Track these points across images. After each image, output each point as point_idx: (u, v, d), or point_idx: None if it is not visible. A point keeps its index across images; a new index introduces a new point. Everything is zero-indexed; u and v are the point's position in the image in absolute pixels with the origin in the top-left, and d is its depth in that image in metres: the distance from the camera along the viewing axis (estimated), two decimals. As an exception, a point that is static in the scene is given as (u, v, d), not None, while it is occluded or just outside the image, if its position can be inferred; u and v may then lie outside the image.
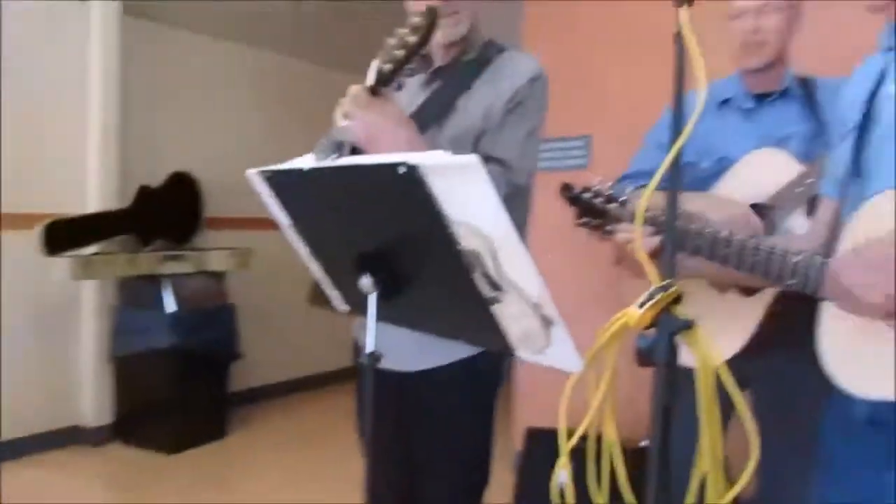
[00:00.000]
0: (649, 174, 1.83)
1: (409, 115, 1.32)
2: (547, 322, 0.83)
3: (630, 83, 3.09)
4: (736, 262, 1.13)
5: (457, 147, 1.39)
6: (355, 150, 1.23)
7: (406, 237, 0.94)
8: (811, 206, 1.56)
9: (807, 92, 1.77)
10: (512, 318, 0.87)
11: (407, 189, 0.83)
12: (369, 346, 1.02)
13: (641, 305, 0.83)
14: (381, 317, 1.01)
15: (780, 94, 1.78)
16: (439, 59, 1.48)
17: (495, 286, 0.85)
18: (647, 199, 0.86)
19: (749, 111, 1.80)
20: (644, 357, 1.60)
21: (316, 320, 2.86)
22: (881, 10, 1.08)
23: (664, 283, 0.84)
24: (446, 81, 1.46)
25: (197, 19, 4.04)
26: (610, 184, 1.43)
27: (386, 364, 1.41)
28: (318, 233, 1.12)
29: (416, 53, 1.13)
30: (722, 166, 1.76)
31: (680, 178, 1.67)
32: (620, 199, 1.34)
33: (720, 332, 1.55)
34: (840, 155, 1.14)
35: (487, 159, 1.35)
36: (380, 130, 1.17)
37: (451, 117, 1.41)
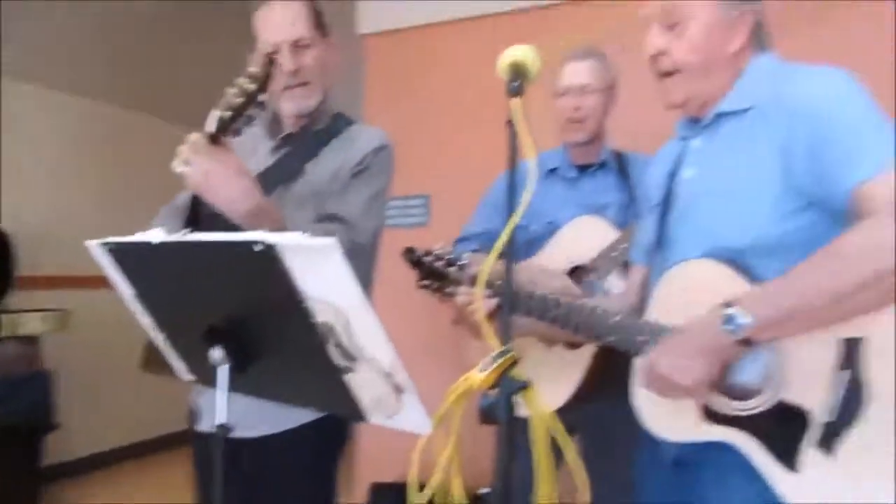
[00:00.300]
0: (484, 235, 1.97)
1: (256, 176, 1.36)
2: (398, 389, 0.88)
3: (467, 146, 3.27)
4: (564, 321, 1.25)
5: (302, 208, 1.44)
6: (195, 198, 1.25)
7: (260, 310, 0.96)
8: (625, 268, 1.75)
9: (620, 165, 2.00)
10: (364, 385, 0.91)
11: (263, 266, 0.86)
12: (220, 419, 1.02)
13: (483, 370, 0.92)
14: (232, 387, 1.02)
15: (599, 166, 1.99)
16: (289, 127, 1.53)
17: (348, 356, 0.89)
18: (489, 266, 0.95)
19: (572, 180, 1.99)
20: (486, 415, 1.69)
21: (144, 384, 2.71)
22: (677, 108, 1.26)
23: (503, 348, 0.93)
24: (295, 148, 1.51)
25: (10, 64, 3.78)
26: (450, 248, 1.53)
27: (206, 427, 1.41)
28: (164, 304, 1.11)
29: (254, 101, 1.18)
30: (549, 229, 1.93)
31: (514, 250, 1.82)
32: (460, 264, 1.44)
33: (550, 383, 1.69)
34: (646, 227, 1.31)
35: (331, 218, 1.41)
36: (218, 178, 1.20)
37: (299, 180, 1.47)
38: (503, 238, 0.96)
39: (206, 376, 1.18)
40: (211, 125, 1.18)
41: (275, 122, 1.58)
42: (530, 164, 0.99)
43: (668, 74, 1.22)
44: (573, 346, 1.72)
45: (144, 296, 1.12)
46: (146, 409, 4.18)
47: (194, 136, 1.20)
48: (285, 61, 1.44)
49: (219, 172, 1.18)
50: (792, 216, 1.09)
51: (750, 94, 1.17)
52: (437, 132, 3.38)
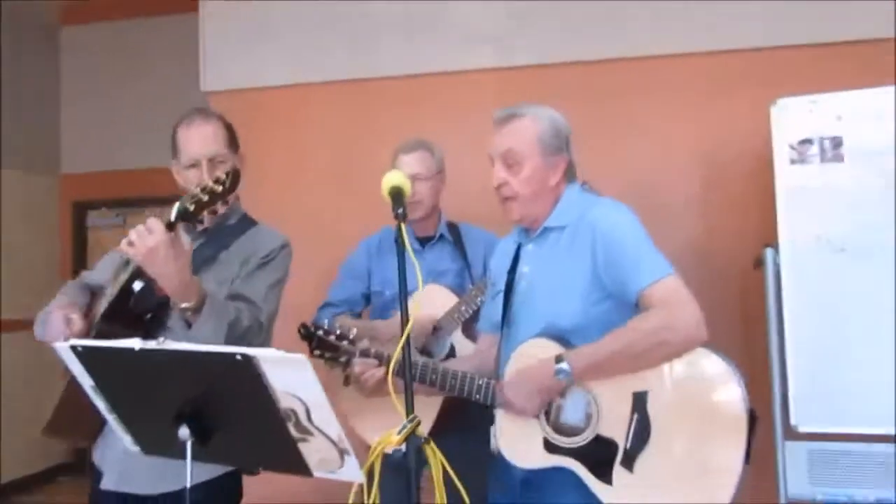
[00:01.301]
0: (346, 302, 2.30)
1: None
2: (344, 453, 1.21)
3: (308, 202, 3.58)
4: (441, 384, 1.63)
5: (218, 287, 1.70)
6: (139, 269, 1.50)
7: (227, 398, 1.24)
8: (465, 326, 2.18)
9: (455, 236, 2.43)
10: (313, 451, 1.23)
11: (239, 369, 1.15)
12: (187, 483, 1.27)
13: (399, 432, 1.27)
14: (194, 457, 1.27)
15: (438, 238, 2.42)
16: (207, 221, 1.79)
17: (305, 431, 1.20)
18: (397, 356, 1.31)
19: (417, 252, 2.39)
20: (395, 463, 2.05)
21: None
22: (514, 223, 1.71)
23: (412, 416, 1.30)
24: (209, 239, 1.78)
25: None
26: (338, 324, 1.86)
27: (111, 486, 1.63)
28: (124, 393, 1.34)
29: (216, 202, 1.44)
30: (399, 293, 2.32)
31: (373, 310, 2.21)
32: (351, 337, 1.77)
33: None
34: (494, 308, 1.74)
35: (240, 297, 1.70)
36: (160, 256, 1.45)
37: (213, 267, 1.73)
38: (407, 329, 1.34)
39: (153, 448, 1.43)
40: (171, 214, 1.43)
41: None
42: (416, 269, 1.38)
43: (507, 199, 1.66)
44: (428, 393, 2.11)
45: (104, 387, 1.34)
46: None
47: (152, 221, 1.44)
48: (203, 173, 1.71)
49: (162, 251, 1.44)
50: (596, 304, 1.57)
51: (565, 215, 1.65)
52: (278, 188, 3.65)
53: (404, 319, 1.36)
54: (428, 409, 2.11)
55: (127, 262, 1.67)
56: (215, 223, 1.79)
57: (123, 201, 5.74)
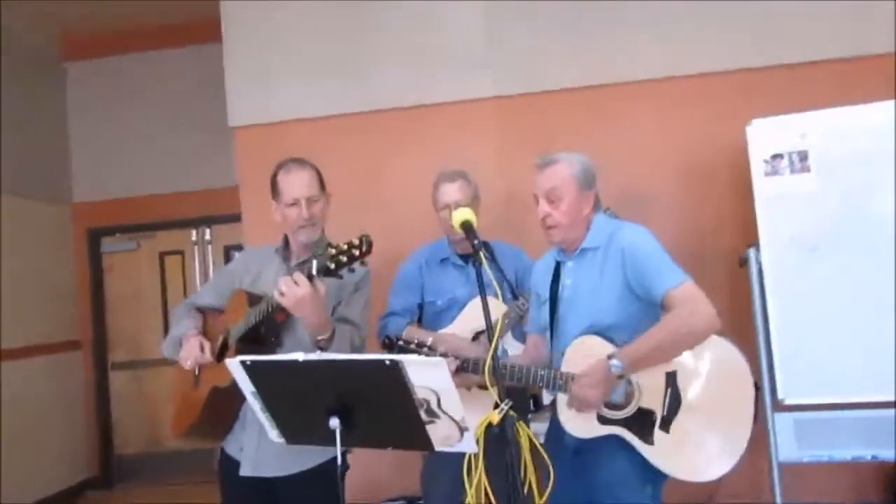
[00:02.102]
0: (407, 310, 2.68)
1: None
2: (463, 430, 1.61)
3: (349, 208, 3.95)
4: (510, 376, 2.03)
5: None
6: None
7: (373, 395, 1.63)
8: (514, 331, 2.59)
9: (490, 253, 2.83)
10: (439, 430, 1.62)
11: (385, 372, 1.55)
12: (339, 461, 1.66)
13: (499, 412, 1.68)
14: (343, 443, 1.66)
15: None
16: (299, 254, 2.18)
17: (433, 415, 1.60)
18: (490, 357, 1.71)
19: (461, 266, 2.79)
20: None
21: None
22: (557, 245, 2.12)
23: (506, 401, 1.70)
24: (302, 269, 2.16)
25: None
26: (417, 336, 2.25)
27: (251, 473, 2.02)
28: (280, 395, 1.72)
29: (354, 263, 1.81)
30: (451, 303, 2.71)
31: (426, 319, 2.61)
32: (429, 345, 2.17)
33: (481, 411, 2.47)
34: (541, 314, 2.15)
35: (345, 321, 2.09)
36: (306, 303, 1.84)
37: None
38: (496, 336, 1.74)
39: (296, 438, 1.82)
40: (314, 268, 1.82)
41: (286, 249, 2.22)
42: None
43: (550, 227, 2.08)
44: (482, 387, 2.52)
45: (264, 391, 1.72)
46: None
47: (297, 275, 1.84)
48: (302, 210, 2.10)
49: (308, 300, 1.82)
50: (628, 305, 2.00)
51: (597, 238, 2.07)
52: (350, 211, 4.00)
53: (489, 328, 1.76)
54: (488, 400, 2.52)
55: (248, 295, 2.06)
56: (308, 256, 2.18)
57: (136, 227, 6.02)
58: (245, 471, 2.10)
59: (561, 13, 3.89)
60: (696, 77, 3.73)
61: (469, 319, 2.64)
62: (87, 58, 5.87)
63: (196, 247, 6.06)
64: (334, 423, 1.64)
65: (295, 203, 2.15)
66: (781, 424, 3.03)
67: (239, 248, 5.94)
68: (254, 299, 2.07)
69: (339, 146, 4.00)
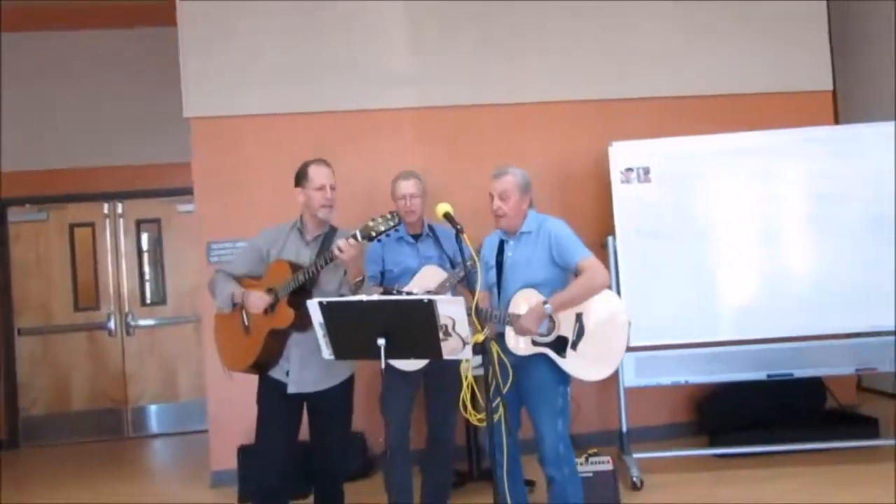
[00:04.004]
0: (374, 277, 3.61)
1: (314, 259, 2.87)
2: (465, 344, 2.56)
3: (275, 203, 4.70)
4: (488, 317, 3.00)
5: (333, 274, 2.96)
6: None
7: (409, 322, 2.52)
8: (454, 291, 3.56)
9: (434, 234, 3.79)
10: (449, 345, 2.56)
11: (422, 307, 2.47)
12: (382, 367, 2.56)
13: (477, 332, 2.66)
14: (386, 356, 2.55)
15: (425, 235, 3.76)
16: (313, 230, 3.02)
17: (447, 334, 2.54)
18: (476, 301, 2.69)
19: (412, 244, 3.72)
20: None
21: None
22: (503, 229, 3.13)
23: (485, 330, 2.69)
24: (323, 242, 3.00)
25: None
26: (406, 288, 3.16)
27: (297, 390, 2.88)
28: (341, 324, 2.58)
29: (386, 232, 2.72)
30: (405, 270, 3.63)
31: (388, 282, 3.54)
32: (415, 292, 3.09)
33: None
34: (490, 276, 3.15)
35: (346, 283, 2.97)
36: (355, 259, 2.74)
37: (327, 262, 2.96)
38: (477, 291, 2.72)
39: (344, 355, 2.70)
40: (358, 234, 2.70)
41: (303, 226, 3.05)
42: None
43: (501, 216, 3.08)
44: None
45: (329, 322, 2.57)
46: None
47: (352, 240, 2.73)
48: (326, 193, 2.96)
49: (355, 256, 2.72)
50: (551, 271, 3.05)
51: (531, 225, 3.11)
52: (253, 194, 4.74)
53: (474, 285, 2.74)
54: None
55: (290, 264, 2.90)
56: (320, 231, 3.06)
57: (47, 198, 6.29)
58: (291, 389, 2.93)
59: (476, 39, 4.93)
60: (572, 103, 4.92)
61: (422, 282, 3.57)
62: (22, 30, 6.01)
63: (108, 220, 6.44)
64: (381, 342, 2.54)
65: (321, 188, 2.99)
66: (626, 361, 4.26)
67: (150, 221, 6.46)
68: (295, 267, 2.90)
69: (282, 142, 4.75)
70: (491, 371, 2.69)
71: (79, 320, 6.37)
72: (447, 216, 2.91)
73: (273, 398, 2.97)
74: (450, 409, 3.79)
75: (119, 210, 6.44)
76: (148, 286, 6.49)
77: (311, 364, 2.91)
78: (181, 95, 5.73)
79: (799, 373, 4.36)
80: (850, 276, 4.25)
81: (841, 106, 5.62)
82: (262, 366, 2.96)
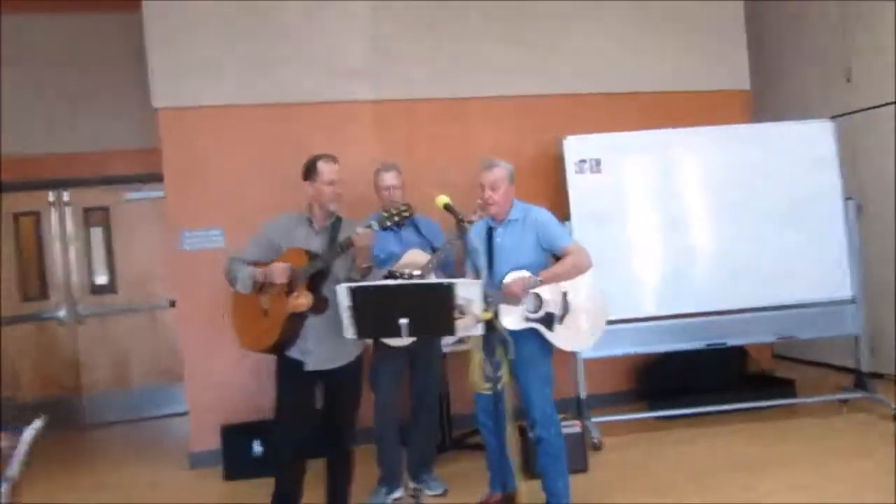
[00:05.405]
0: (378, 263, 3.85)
1: (324, 245, 3.14)
2: (477, 321, 2.89)
3: (247, 194, 4.87)
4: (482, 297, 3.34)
5: (343, 261, 3.22)
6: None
7: (428, 303, 2.82)
8: (440, 271, 3.88)
9: (415, 224, 4.09)
10: (462, 323, 2.88)
11: (442, 290, 2.78)
12: (402, 342, 2.86)
13: (485, 311, 2.99)
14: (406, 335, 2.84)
15: (406, 225, 4.04)
16: (321, 220, 3.27)
17: (462, 314, 2.86)
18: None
19: (395, 232, 4.00)
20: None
21: None
22: (491, 217, 3.48)
23: (489, 308, 3.03)
24: (330, 232, 3.26)
25: None
26: (412, 272, 3.45)
27: (315, 367, 3.15)
28: (367, 306, 2.85)
29: (403, 220, 3.02)
30: (390, 255, 3.93)
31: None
32: (416, 274, 3.38)
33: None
34: (480, 258, 3.49)
35: (356, 269, 3.25)
36: (368, 247, 3.03)
37: (344, 250, 3.23)
38: (483, 272, 3.06)
39: (366, 334, 2.98)
40: (374, 224, 2.99)
41: (311, 217, 3.29)
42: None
43: (491, 205, 3.42)
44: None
45: (356, 304, 2.84)
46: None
47: (369, 229, 3.00)
48: (335, 187, 3.22)
49: (369, 244, 3.00)
50: (539, 254, 3.43)
51: (517, 213, 3.47)
52: (222, 182, 4.88)
53: (485, 266, 3.07)
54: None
55: (307, 252, 3.14)
56: (327, 221, 3.32)
57: None
58: (308, 367, 3.18)
59: (432, 34, 5.21)
60: (525, 97, 5.30)
61: (406, 265, 3.85)
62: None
63: (53, 208, 6.34)
64: (404, 321, 2.83)
65: (331, 183, 3.24)
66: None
67: (98, 209, 6.43)
68: (311, 254, 3.14)
69: (248, 132, 4.92)
70: (497, 344, 3.05)
71: (26, 310, 6.26)
72: (447, 207, 3.21)
73: (291, 376, 3.21)
74: (434, 382, 4.13)
75: (65, 198, 6.35)
76: (97, 275, 6.43)
77: (326, 343, 3.17)
78: (129, 83, 5.81)
79: (731, 341, 4.95)
80: (772, 255, 4.87)
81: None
82: (281, 346, 3.19)
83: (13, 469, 2.24)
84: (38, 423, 2.34)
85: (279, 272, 3.08)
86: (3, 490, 2.17)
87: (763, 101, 6.20)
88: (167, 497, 4.35)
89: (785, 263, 4.86)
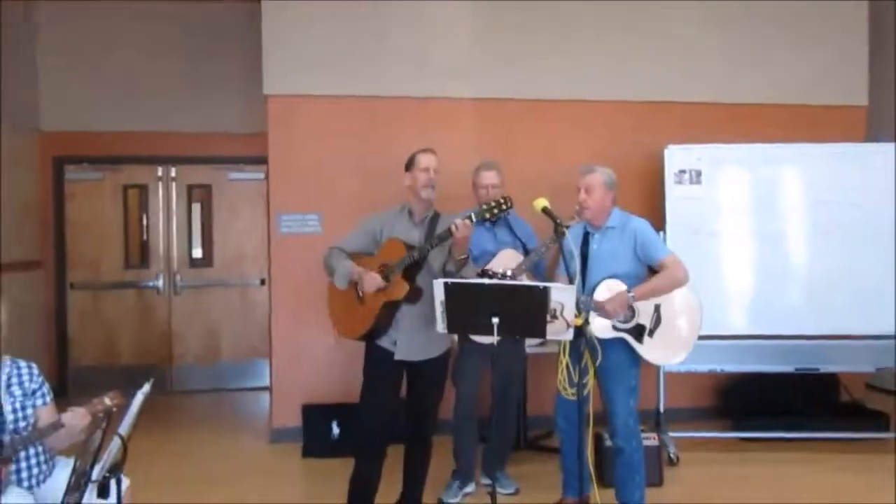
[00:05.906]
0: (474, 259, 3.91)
1: (424, 237, 3.20)
2: (569, 326, 2.90)
3: (346, 182, 4.99)
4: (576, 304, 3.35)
5: (440, 252, 3.26)
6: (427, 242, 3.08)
7: (522, 304, 2.85)
8: (532, 273, 3.89)
9: (508, 223, 4.11)
10: (553, 326, 2.90)
11: (536, 292, 2.80)
12: (493, 340, 2.89)
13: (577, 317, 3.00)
14: (497, 334, 2.88)
15: (501, 224, 4.07)
16: (420, 213, 3.33)
17: (555, 317, 2.87)
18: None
19: (489, 229, 4.04)
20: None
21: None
22: (586, 221, 3.47)
23: (584, 314, 3.03)
24: (429, 225, 3.32)
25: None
26: (505, 271, 3.48)
27: (403, 357, 3.20)
28: (460, 303, 2.90)
29: (501, 213, 3.07)
30: (483, 253, 3.96)
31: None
32: (509, 274, 3.40)
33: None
34: (575, 265, 3.49)
35: (453, 260, 3.29)
36: (467, 238, 3.07)
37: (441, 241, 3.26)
38: (576, 279, 3.06)
39: (456, 329, 3.03)
40: (472, 216, 3.03)
41: (410, 209, 3.36)
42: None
43: (585, 209, 3.41)
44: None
45: (450, 300, 2.89)
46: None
47: (467, 220, 3.04)
48: (431, 174, 3.27)
49: (468, 235, 3.04)
50: (635, 264, 3.39)
51: (615, 222, 3.44)
52: (322, 169, 5.03)
53: (577, 271, 3.07)
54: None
55: (404, 243, 3.20)
56: (426, 213, 3.37)
57: (104, 158, 6.51)
58: (398, 356, 3.26)
59: (540, 37, 5.20)
60: (630, 103, 5.26)
61: (500, 264, 3.87)
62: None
63: (160, 182, 6.68)
64: (495, 320, 2.87)
65: (426, 169, 3.30)
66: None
67: (201, 187, 6.72)
68: (409, 246, 3.21)
69: (349, 123, 5.04)
70: (585, 346, 3.05)
71: (128, 277, 6.62)
72: (545, 210, 3.22)
73: (379, 364, 3.29)
74: (517, 382, 4.15)
75: (172, 174, 6.67)
76: (195, 248, 6.73)
77: (417, 335, 3.24)
78: (240, 70, 6.06)
79: (824, 367, 4.77)
80: (874, 281, 4.66)
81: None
82: (373, 334, 3.27)
83: (125, 427, 2.38)
84: (146, 387, 2.47)
85: (370, 284, 3.17)
86: (117, 446, 2.32)
87: (881, 118, 5.90)
88: (247, 467, 4.53)
89: (889, 290, 4.64)
